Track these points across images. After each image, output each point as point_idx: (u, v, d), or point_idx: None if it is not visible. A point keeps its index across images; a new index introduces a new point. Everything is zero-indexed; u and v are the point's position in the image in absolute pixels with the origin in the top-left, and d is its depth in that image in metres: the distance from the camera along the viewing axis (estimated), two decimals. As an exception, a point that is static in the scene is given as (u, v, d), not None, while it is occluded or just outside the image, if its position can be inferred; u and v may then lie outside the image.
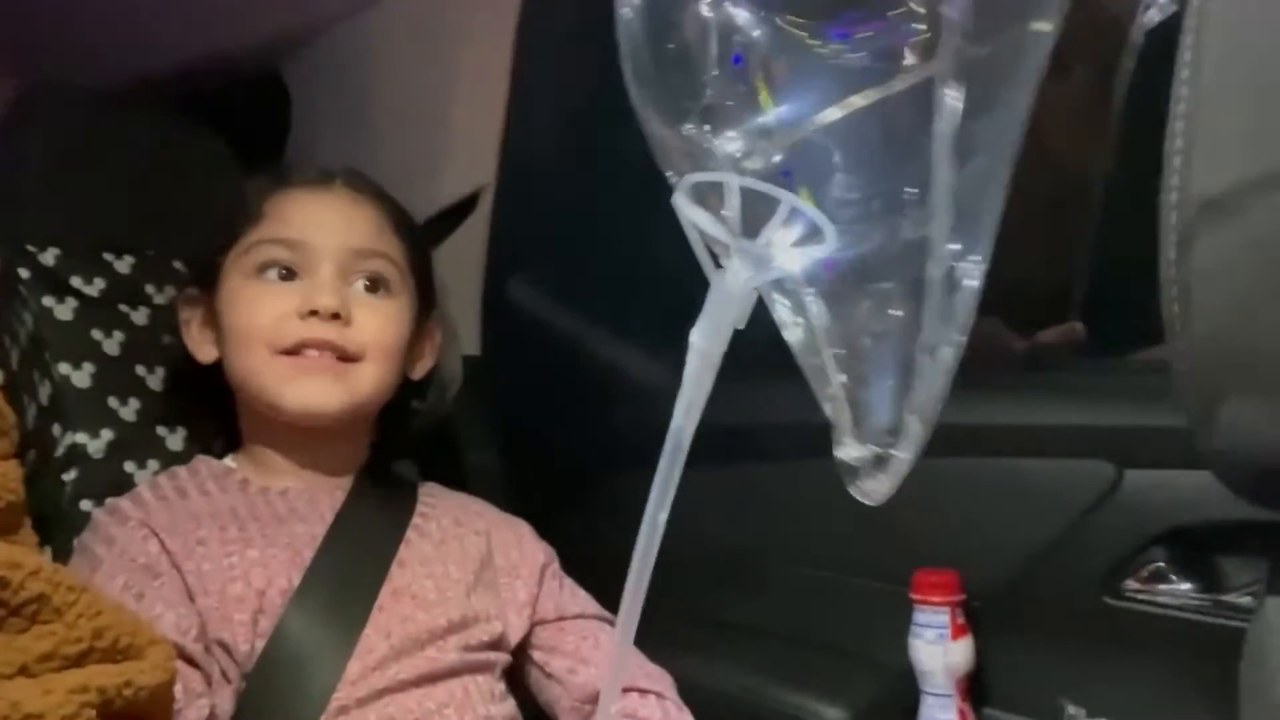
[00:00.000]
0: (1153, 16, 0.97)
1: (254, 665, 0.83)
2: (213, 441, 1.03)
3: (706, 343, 0.55)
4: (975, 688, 1.04)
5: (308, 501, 0.94)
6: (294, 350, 0.91)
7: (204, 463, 0.97)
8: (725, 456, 1.22)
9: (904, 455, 0.54)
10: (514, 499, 1.14)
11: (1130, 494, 0.97)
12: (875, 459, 0.55)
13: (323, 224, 0.96)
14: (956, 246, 0.53)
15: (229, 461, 0.98)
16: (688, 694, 0.99)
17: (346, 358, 0.93)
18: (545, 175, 1.39)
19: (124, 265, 1.09)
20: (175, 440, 1.03)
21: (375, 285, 0.97)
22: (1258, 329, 0.47)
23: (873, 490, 0.55)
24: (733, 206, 0.54)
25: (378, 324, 0.95)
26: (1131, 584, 0.98)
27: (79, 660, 0.54)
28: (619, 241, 1.35)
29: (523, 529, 1.05)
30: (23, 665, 0.51)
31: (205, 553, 0.86)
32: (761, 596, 1.20)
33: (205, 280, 0.98)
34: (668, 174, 0.56)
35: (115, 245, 1.10)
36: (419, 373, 1.05)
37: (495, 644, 0.94)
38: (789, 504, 1.18)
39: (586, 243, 1.40)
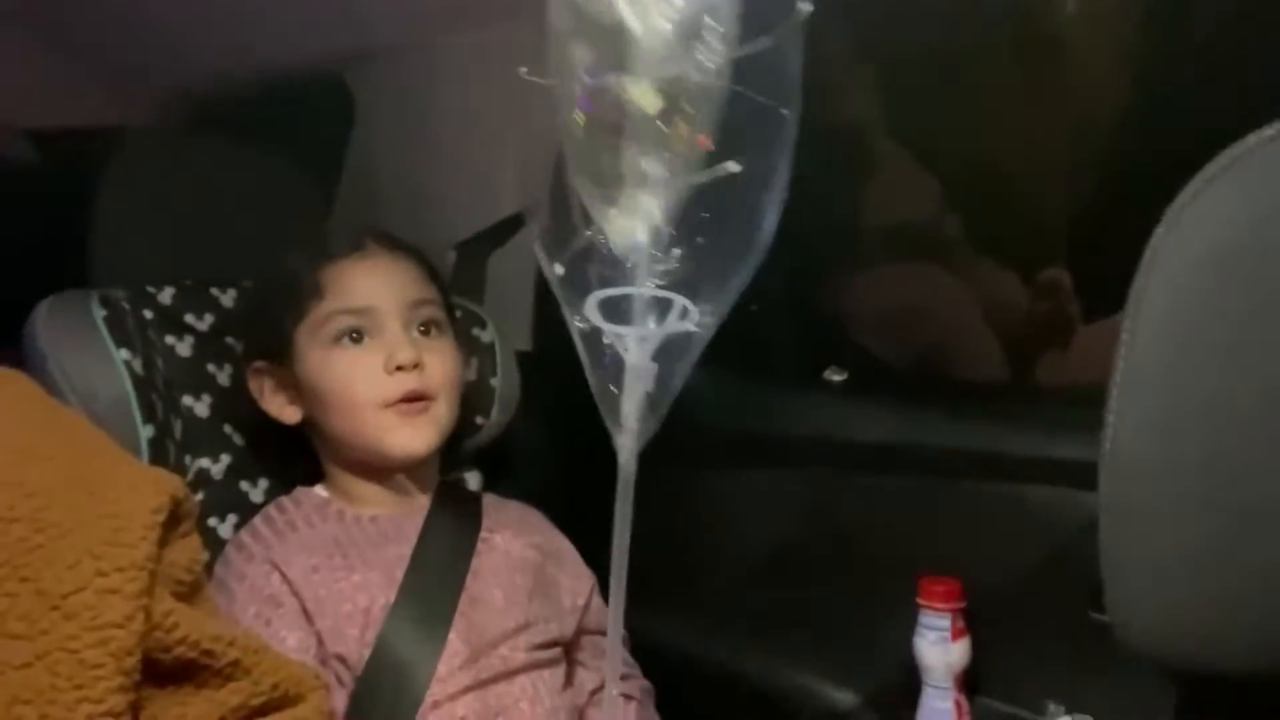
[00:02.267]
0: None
1: (363, 671, 0.99)
2: (301, 462, 1.16)
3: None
4: (969, 679, 1.20)
5: (395, 526, 1.09)
6: (392, 403, 1.06)
7: (305, 494, 1.12)
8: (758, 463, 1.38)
9: None
10: (566, 495, 1.29)
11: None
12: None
13: (379, 287, 1.09)
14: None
15: (322, 491, 1.13)
16: (711, 676, 1.16)
17: (427, 399, 1.08)
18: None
19: (228, 299, 1.23)
20: (275, 464, 1.17)
21: (429, 329, 1.11)
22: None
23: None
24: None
25: (442, 363, 1.10)
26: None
27: (262, 710, 0.69)
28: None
29: (568, 549, 1.19)
30: (221, 716, 0.67)
31: (318, 580, 1.02)
32: (785, 590, 1.36)
33: (276, 353, 1.10)
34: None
35: (219, 280, 1.24)
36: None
37: (553, 643, 1.10)
38: (813, 510, 1.34)
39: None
